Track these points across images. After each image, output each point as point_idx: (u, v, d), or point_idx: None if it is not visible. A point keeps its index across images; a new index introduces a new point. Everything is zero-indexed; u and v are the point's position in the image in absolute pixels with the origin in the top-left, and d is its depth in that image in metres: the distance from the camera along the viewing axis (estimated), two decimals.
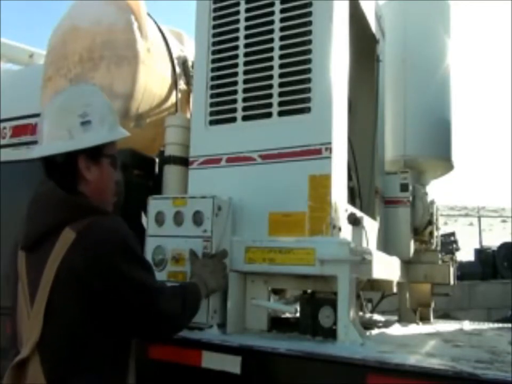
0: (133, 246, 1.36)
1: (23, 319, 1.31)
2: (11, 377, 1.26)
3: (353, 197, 2.69)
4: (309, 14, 2.08)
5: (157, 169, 2.52)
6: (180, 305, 1.46)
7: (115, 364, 1.35)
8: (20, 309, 1.34)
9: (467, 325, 2.92)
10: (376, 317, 2.90)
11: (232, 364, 1.70)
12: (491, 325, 3.10)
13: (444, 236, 8.42)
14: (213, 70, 2.27)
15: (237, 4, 2.25)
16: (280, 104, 2.09)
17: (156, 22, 2.91)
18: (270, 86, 2.12)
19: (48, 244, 1.29)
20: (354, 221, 2.11)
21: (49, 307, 1.24)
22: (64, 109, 1.43)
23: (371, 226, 2.46)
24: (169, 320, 1.45)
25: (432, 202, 3.09)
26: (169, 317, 1.44)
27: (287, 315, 2.62)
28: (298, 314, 2.03)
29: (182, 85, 2.92)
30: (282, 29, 2.13)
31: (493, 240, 11.64)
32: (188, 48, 3.11)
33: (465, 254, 9.98)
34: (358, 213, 2.20)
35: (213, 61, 2.28)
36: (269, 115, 2.11)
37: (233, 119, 2.19)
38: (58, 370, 1.25)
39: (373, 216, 2.59)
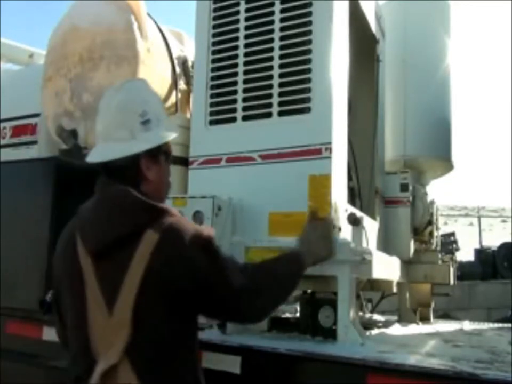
0: (215, 244, 1.34)
1: (94, 326, 1.25)
2: None
3: (353, 197, 2.69)
4: (309, 14, 2.08)
5: None
6: (270, 284, 1.42)
7: (193, 352, 1.35)
8: (90, 316, 1.26)
9: (467, 325, 2.92)
10: (376, 317, 2.90)
11: (232, 364, 1.70)
12: (491, 325, 3.11)
13: (443, 235, 8.42)
14: (213, 70, 2.27)
15: (237, 4, 2.25)
16: (280, 104, 2.09)
17: (156, 22, 2.92)
18: (270, 86, 2.12)
19: (127, 248, 1.24)
20: (354, 221, 2.11)
21: (136, 310, 1.21)
22: (123, 108, 1.38)
23: (371, 226, 2.46)
24: (262, 303, 1.41)
25: (432, 202, 3.09)
26: (262, 303, 1.41)
27: (287, 315, 2.62)
28: (298, 314, 2.03)
29: (182, 85, 2.92)
30: (282, 29, 2.13)
31: (493, 240, 11.64)
32: (188, 48, 3.11)
33: (465, 254, 9.97)
34: (358, 213, 2.20)
35: (213, 61, 2.28)
36: (269, 115, 2.11)
37: (233, 119, 2.19)
38: (152, 373, 1.22)
39: (373, 216, 2.59)
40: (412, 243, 2.87)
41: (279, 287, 1.45)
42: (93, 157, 1.37)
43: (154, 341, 1.24)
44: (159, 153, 1.41)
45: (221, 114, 2.23)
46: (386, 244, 2.79)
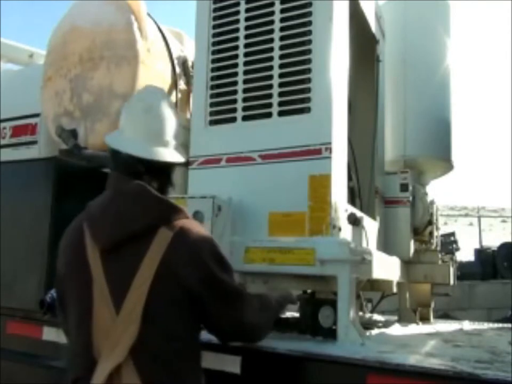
0: (221, 251, 1.39)
1: (99, 323, 1.24)
2: None
3: (353, 197, 2.69)
4: (309, 14, 2.08)
5: None
6: (266, 317, 1.52)
7: (198, 355, 1.37)
8: (95, 313, 1.25)
9: (467, 325, 2.92)
10: (376, 317, 2.90)
11: (232, 364, 1.70)
12: (491, 325, 3.10)
13: (443, 235, 8.43)
14: (213, 70, 2.27)
15: (237, 4, 2.25)
16: (280, 104, 2.09)
17: (156, 22, 2.91)
18: (270, 86, 2.12)
19: (139, 244, 1.25)
20: (354, 221, 2.11)
21: (147, 306, 1.20)
22: (167, 119, 1.46)
23: (371, 226, 2.46)
24: (252, 331, 1.49)
25: (432, 202, 3.09)
26: (252, 327, 1.47)
27: (287, 315, 2.62)
28: (298, 314, 2.03)
29: (182, 85, 2.92)
30: (282, 29, 2.13)
31: (493, 240, 11.63)
32: (187, 48, 3.11)
33: (465, 254, 9.97)
34: (358, 213, 2.20)
35: (213, 61, 2.28)
36: (269, 115, 2.11)
37: (233, 119, 2.19)
38: (157, 373, 1.21)
39: (373, 216, 2.59)
40: (411, 243, 2.87)
41: (267, 320, 1.55)
42: (136, 151, 1.38)
43: (162, 339, 1.24)
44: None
45: (221, 114, 2.23)
46: (386, 244, 2.79)
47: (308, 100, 2.04)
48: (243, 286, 1.57)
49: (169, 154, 1.44)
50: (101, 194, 1.39)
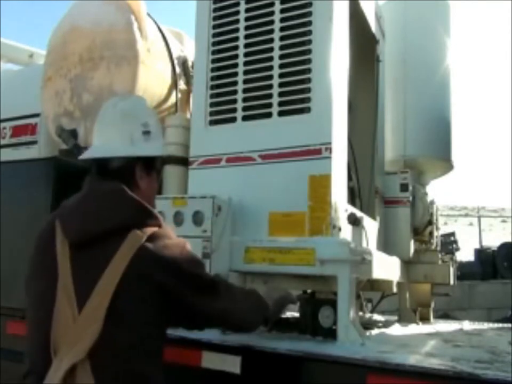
0: (193, 253, 1.40)
1: (60, 322, 1.20)
2: None
3: (353, 197, 2.69)
4: (309, 14, 2.08)
5: None
6: (249, 302, 1.54)
7: (159, 360, 1.34)
8: (56, 309, 1.21)
9: (467, 325, 2.92)
10: (376, 317, 2.90)
11: (232, 364, 1.70)
12: (491, 325, 3.10)
13: (443, 235, 8.43)
14: (213, 70, 2.27)
15: (237, 4, 2.25)
16: (280, 104, 2.09)
17: (156, 22, 2.91)
18: (270, 86, 2.12)
19: (109, 243, 1.24)
20: (354, 221, 2.11)
21: (112, 307, 1.18)
22: (128, 115, 1.44)
23: (371, 226, 2.46)
24: (235, 318, 1.50)
25: (432, 202, 3.09)
26: (234, 314, 1.48)
27: (287, 315, 2.62)
28: (298, 314, 2.03)
29: (182, 85, 2.92)
30: (282, 29, 2.13)
31: (493, 240, 11.64)
32: (187, 48, 3.11)
33: (465, 254, 9.98)
34: (358, 213, 2.20)
35: (213, 61, 2.28)
36: (269, 115, 2.11)
37: (233, 119, 2.19)
38: (117, 373, 1.19)
39: (373, 216, 2.59)
40: (412, 243, 2.87)
41: (251, 306, 1.55)
42: (90, 153, 1.40)
43: (127, 338, 1.21)
44: (153, 168, 1.47)
45: (221, 114, 2.23)
46: (386, 244, 2.79)
47: (308, 100, 2.04)
48: (219, 277, 1.56)
49: (109, 148, 1.40)
50: (76, 194, 1.39)
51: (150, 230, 1.29)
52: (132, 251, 1.23)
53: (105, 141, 1.41)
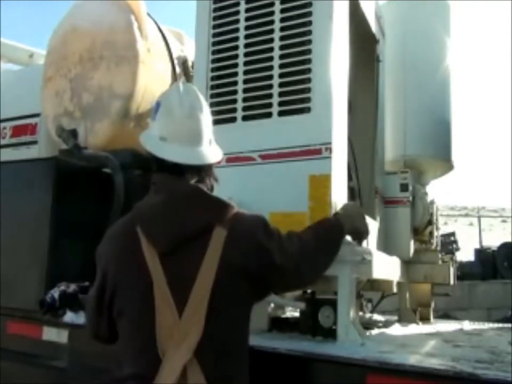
0: (272, 227, 1.49)
1: (163, 324, 1.24)
2: None
3: (353, 197, 2.69)
4: (309, 14, 2.08)
5: None
6: (318, 251, 1.60)
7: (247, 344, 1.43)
8: (158, 315, 1.25)
9: (467, 325, 2.92)
10: (376, 317, 2.90)
11: None
12: (491, 325, 3.10)
13: (443, 236, 8.43)
14: (213, 70, 2.27)
15: (237, 4, 2.24)
16: (280, 104, 2.09)
17: (156, 22, 2.92)
18: (270, 86, 2.11)
19: (197, 244, 1.30)
20: None
21: (211, 305, 1.24)
22: (205, 117, 1.49)
23: (371, 226, 2.45)
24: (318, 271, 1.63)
25: (432, 202, 3.09)
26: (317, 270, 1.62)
27: (287, 315, 2.62)
28: (298, 314, 2.03)
29: None
30: (282, 29, 2.13)
31: (493, 240, 11.64)
32: (187, 48, 3.12)
33: (465, 254, 9.98)
34: None
35: (213, 61, 2.27)
36: (269, 115, 2.11)
37: (233, 119, 2.19)
38: (223, 367, 1.25)
39: (373, 216, 2.59)
40: (411, 243, 2.87)
41: (325, 253, 1.62)
42: (188, 159, 1.41)
43: (226, 333, 1.29)
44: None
45: (220, 114, 2.23)
46: (386, 244, 2.79)
47: (308, 99, 2.03)
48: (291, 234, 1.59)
49: (213, 154, 1.50)
50: (148, 196, 1.41)
51: (229, 220, 1.36)
52: (220, 247, 1.29)
53: (192, 144, 1.43)
